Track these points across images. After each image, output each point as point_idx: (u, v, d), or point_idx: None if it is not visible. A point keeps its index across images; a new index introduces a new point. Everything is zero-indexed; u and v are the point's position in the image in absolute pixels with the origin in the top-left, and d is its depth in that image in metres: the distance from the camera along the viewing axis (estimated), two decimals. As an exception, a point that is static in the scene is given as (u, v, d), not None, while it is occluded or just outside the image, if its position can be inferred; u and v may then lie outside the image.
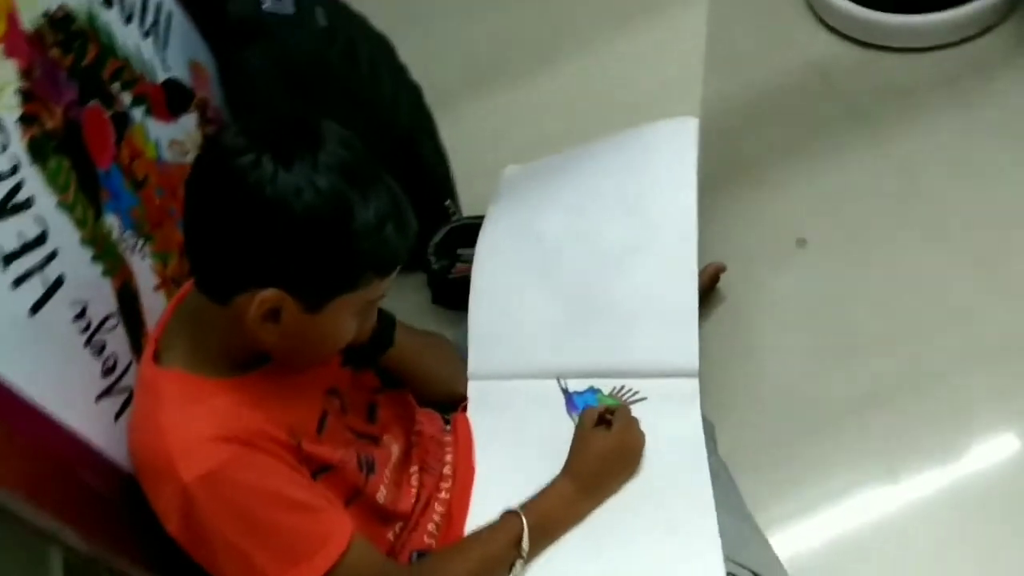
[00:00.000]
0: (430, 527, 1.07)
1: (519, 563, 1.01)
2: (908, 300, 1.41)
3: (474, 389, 1.24)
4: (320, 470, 0.94)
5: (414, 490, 1.08)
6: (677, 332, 1.20)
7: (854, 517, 1.26)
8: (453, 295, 1.50)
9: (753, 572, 0.98)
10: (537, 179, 1.39)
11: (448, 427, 1.18)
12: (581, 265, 1.27)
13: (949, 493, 1.24)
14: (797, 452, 1.31)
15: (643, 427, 1.13)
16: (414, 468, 1.10)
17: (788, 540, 1.21)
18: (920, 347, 1.36)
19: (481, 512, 1.08)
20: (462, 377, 1.24)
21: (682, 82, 1.78)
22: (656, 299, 1.22)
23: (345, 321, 0.90)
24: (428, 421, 1.16)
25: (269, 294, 0.83)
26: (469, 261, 1.45)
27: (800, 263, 1.49)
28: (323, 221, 0.81)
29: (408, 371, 1.18)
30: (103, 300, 0.99)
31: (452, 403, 1.23)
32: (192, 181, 0.85)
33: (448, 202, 1.59)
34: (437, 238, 1.55)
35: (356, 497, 0.99)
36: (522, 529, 1.01)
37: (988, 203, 1.49)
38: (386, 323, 1.11)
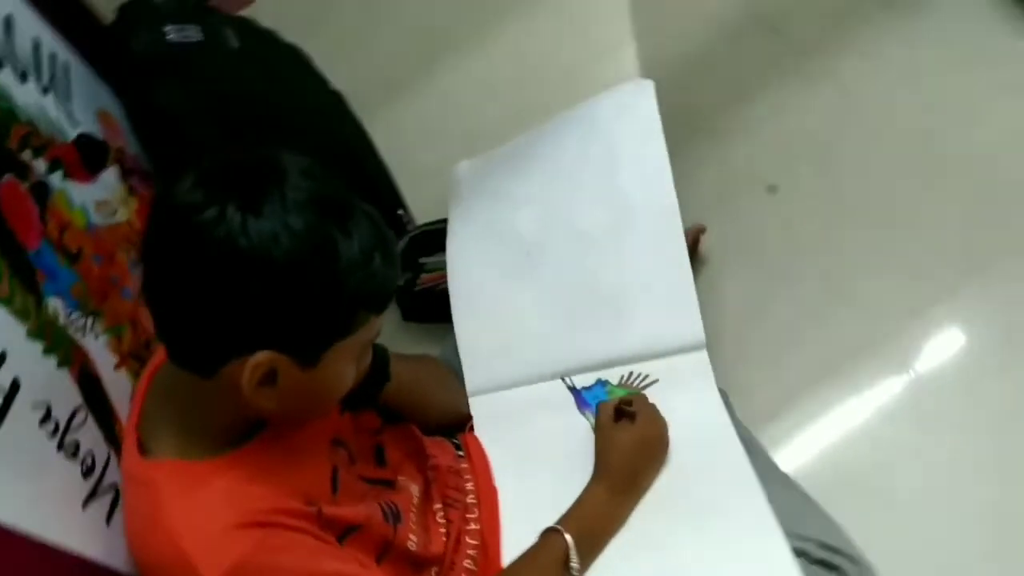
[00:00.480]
0: (466, 563, 1.00)
1: (572, 583, 0.95)
2: (891, 230, 1.38)
3: (477, 405, 1.17)
4: (346, 532, 0.86)
5: (443, 529, 1.00)
6: (677, 307, 1.14)
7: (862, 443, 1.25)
8: (424, 308, 1.42)
9: (819, 542, 0.94)
10: (496, 171, 1.31)
11: (460, 452, 1.11)
12: (563, 255, 1.20)
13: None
14: (803, 393, 1.29)
15: (662, 411, 1.07)
16: (437, 505, 1.02)
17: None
18: (907, 275, 1.33)
19: (515, 535, 1.01)
20: (463, 396, 1.17)
21: (613, 45, 1.71)
22: (649, 276, 1.16)
23: (345, 368, 0.81)
24: (439, 451, 1.08)
25: (261, 358, 0.74)
26: (434, 270, 1.38)
27: (775, 209, 1.45)
28: (307, 265, 0.72)
29: (407, 401, 1.09)
30: (66, 394, 0.88)
31: (458, 425, 1.16)
32: (151, 249, 0.75)
33: (400, 212, 1.50)
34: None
35: (387, 551, 0.91)
36: (567, 546, 0.94)
37: (944, 111, 1.47)
38: (380, 357, 1.02)
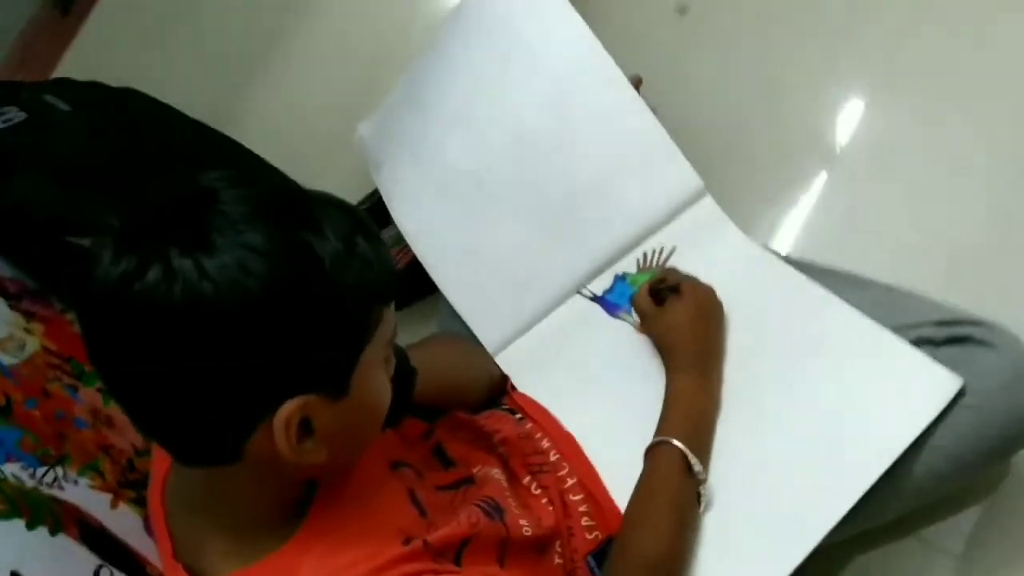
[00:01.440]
0: (584, 522, 0.89)
1: (703, 487, 0.85)
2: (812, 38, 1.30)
3: (507, 361, 1.04)
4: (460, 550, 0.73)
5: (544, 499, 0.88)
6: (660, 164, 1.03)
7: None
8: (398, 290, 1.28)
9: (932, 322, 0.85)
10: (402, 117, 1.16)
11: (517, 415, 0.98)
12: (517, 169, 1.06)
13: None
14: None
15: (696, 274, 0.97)
16: (527, 479, 0.90)
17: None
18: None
19: (615, 470, 0.91)
20: (489, 359, 1.04)
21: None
22: (619, 149, 1.04)
23: (379, 379, 0.68)
24: (498, 424, 0.95)
25: (289, 411, 0.59)
26: (391, 247, 1.23)
27: (688, 30, 1.34)
28: (291, 282, 0.58)
29: (439, 388, 0.96)
30: (76, 561, 0.73)
31: (499, 389, 1.03)
32: (103, 351, 0.59)
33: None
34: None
35: (506, 548, 0.79)
36: (681, 452, 0.84)
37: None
38: (399, 356, 0.88)
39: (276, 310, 0.57)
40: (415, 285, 1.18)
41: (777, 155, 1.26)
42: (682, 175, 1.02)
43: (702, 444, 0.87)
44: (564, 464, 0.92)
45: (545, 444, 0.94)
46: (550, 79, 1.05)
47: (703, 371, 0.91)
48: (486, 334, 1.05)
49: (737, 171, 1.21)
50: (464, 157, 1.09)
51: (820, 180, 1.23)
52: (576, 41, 1.03)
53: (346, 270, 0.60)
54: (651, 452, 0.86)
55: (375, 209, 1.17)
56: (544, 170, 1.05)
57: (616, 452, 0.91)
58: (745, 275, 0.97)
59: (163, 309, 0.55)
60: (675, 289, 0.94)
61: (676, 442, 0.85)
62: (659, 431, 0.87)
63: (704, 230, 1.02)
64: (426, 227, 1.10)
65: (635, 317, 0.99)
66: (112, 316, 0.57)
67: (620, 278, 1.04)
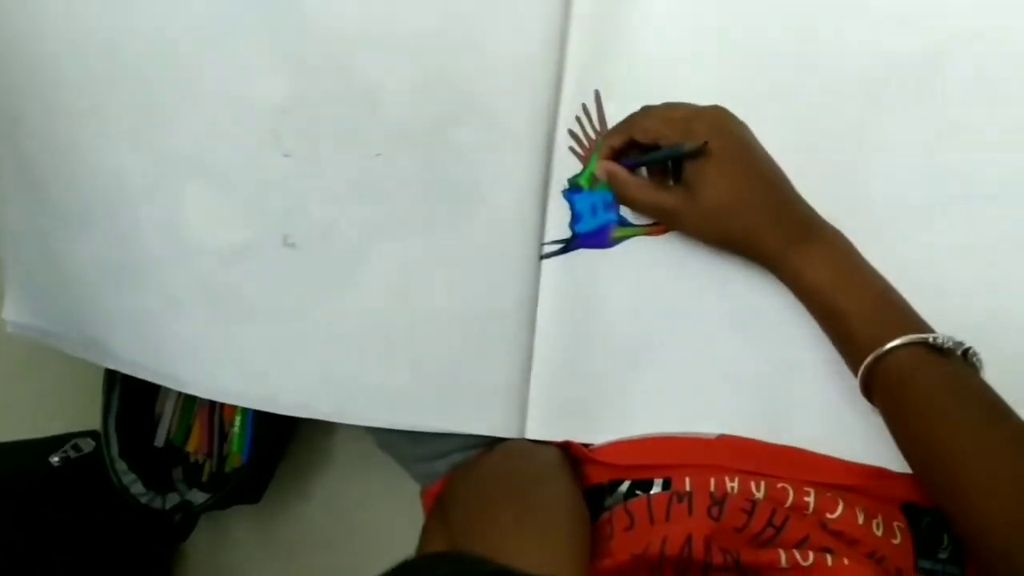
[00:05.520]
0: (806, 500, 0.54)
1: (975, 356, 0.50)
2: None
3: (538, 431, 0.62)
4: None
5: (828, 560, 0.51)
6: None
7: None
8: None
9: None
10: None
11: (638, 494, 0.58)
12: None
13: None
14: None
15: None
16: (778, 556, 0.52)
17: None
18: None
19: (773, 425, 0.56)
20: (532, 464, 0.61)
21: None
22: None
23: None
24: (652, 533, 0.54)
25: None
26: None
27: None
28: None
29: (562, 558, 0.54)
30: None
31: (591, 499, 0.61)
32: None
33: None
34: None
35: None
36: (915, 345, 0.49)
37: None
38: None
39: None
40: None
41: None
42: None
43: (905, 312, 0.52)
44: (752, 486, 0.55)
45: (711, 489, 0.55)
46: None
47: (809, 225, 0.54)
48: (492, 425, 0.62)
49: None
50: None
51: None
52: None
53: None
54: (876, 384, 0.51)
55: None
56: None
57: (755, 404, 0.57)
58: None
59: None
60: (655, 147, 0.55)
61: (895, 342, 0.49)
62: (846, 351, 0.53)
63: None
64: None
65: (637, 219, 0.59)
66: None
67: (570, 190, 0.62)
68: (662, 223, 0.59)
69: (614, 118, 0.60)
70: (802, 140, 0.57)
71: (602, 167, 0.58)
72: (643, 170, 0.59)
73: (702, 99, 0.57)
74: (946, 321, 0.51)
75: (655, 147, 0.56)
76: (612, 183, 0.58)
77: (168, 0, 0.55)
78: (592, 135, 0.61)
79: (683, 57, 0.59)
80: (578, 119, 0.61)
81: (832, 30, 0.57)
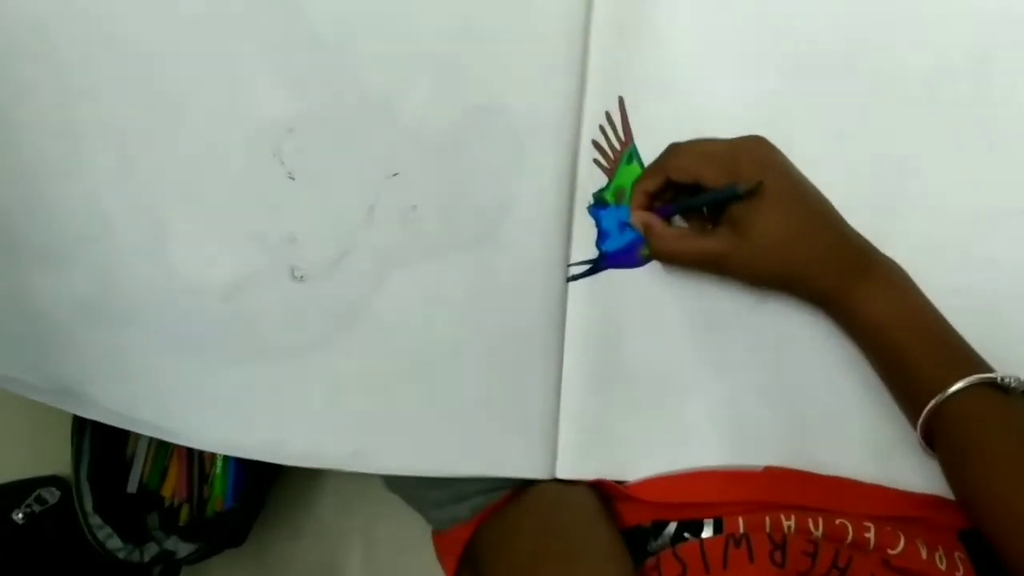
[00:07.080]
0: (867, 536, 0.50)
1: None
2: None
3: (570, 470, 0.58)
4: None
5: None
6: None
7: None
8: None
9: None
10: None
11: (687, 538, 0.53)
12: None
13: None
14: None
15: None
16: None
17: None
18: None
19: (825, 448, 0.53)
20: (569, 508, 0.56)
21: None
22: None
23: None
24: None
25: None
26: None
27: None
28: None
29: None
30: None
31: (632, 544, 0.57)
32: None
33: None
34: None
35: None
36: (980, 384, 0.46)
37: None
38: None
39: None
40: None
41: None
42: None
43: (965, 350, 0.49)
44: (811, 523, 0.51)
45: (768, 530, 0.51)
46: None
47: (867, 258, 0.51)
48: (521, 466, 0.57)
49: None
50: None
51: None
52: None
53: None
54: (939, 428, 0.47)
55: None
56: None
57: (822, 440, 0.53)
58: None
59: None
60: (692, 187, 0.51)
61: (959, 384, 0.46)
62: (904, 392, 0.50)
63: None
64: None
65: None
66: None
67: (595, 206, 0.57)
68: (705, 271, 0.54)
69: (639, 127, 0.56)
70: (845, 151, 0.54)
71: (637, 218, 0.54)
72: (676, 217, 0.55)
73: (734, 102, 0.54)
74: (1001, 347, 0.49)
75: (691, 187, 0.52)
76: (648, 237, 0.54)
77: (153, 7, 0.50)
78: (617, 145, 0.57)
79: (711, 60, 0.55)
80: (602, 128, 0.56)
81: (876, 31, 0.54)
